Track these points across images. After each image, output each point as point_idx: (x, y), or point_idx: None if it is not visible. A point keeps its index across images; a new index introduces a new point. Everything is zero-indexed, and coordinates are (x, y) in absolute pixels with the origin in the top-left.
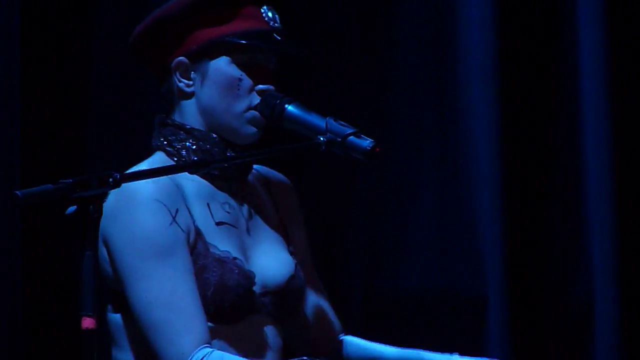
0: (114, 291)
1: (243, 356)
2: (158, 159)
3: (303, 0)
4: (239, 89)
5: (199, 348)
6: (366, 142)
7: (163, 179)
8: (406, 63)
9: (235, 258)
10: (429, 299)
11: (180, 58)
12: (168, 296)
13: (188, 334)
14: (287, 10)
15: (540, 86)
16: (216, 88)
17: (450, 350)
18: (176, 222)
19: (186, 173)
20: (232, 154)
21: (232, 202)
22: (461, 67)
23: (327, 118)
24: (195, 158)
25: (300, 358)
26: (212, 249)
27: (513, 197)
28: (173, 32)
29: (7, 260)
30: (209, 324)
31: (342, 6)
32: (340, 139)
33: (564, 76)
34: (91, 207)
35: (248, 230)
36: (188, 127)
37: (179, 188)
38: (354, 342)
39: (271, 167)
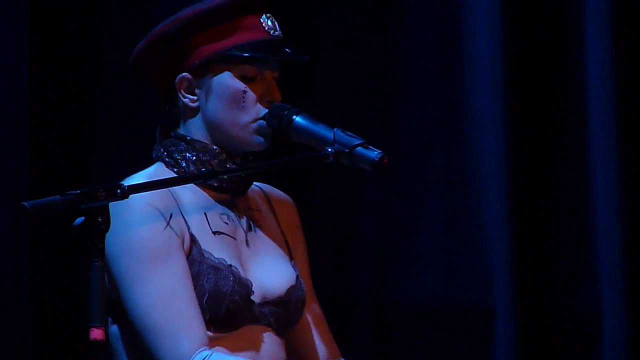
0: (113, 302)
1: None
2: (156, 170)
3: (311, 11)
4: (244, 102)
5: (198, 351)
6: (374, 153)
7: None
8: (413, 73)
9: (230, 265)
10: (436, 310)
11: (184, 74)
12: (166, 300)
13: (187, 337)
14: (294, 20)
15: (547, 95)
16: (221, 102)
17: None
18: (170, 227)
19: None
20: (233, 166)
21: (231, 213)
22: (468, 77)
23: (335, 129)
24: (194, 169)
25: None
26: (207, 256)
27: (520, 207)
28: (174, 49)
29: (15, 271)
30: (208, 332)
31: (350, 16)
32: (348, 150)
33: (570, 85)
34: (99, 218)
35: (247, 242)
36: (189, 138)
37: (173, 196)
38: None
39: (278, 178)
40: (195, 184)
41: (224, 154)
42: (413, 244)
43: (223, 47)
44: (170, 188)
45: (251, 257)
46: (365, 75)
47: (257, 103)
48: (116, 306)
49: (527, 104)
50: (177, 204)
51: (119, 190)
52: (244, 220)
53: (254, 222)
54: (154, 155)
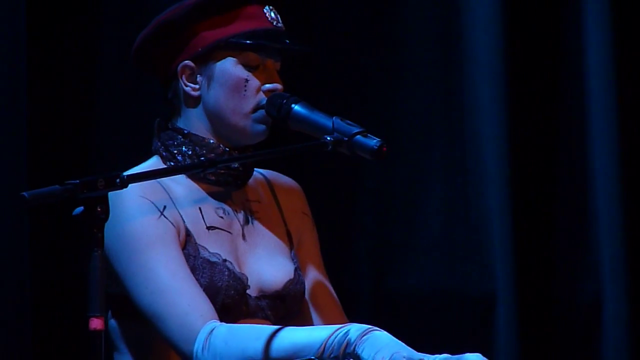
0: (111, 295)
1: None
2: (153, 163)
3: (311, 1)
4: (245, 90)
5: (206, 323)
6: (373, 142)
7: (151, 181)
8: (413, 63)
9: (225, 260)
10: (437, 299)
11: (186, 62)
12: (168, 282)
13: (194, 312)
14: (294, 10)
15: (547, 85)
16: (223, 89)
17: (458, 350)
18: (165, 217)
19: (179, 178)
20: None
21: (227, 207)
22: (468, 67)
23: (334, 117)
24: (190, 163)
25: (309, 358)
26: (202, 251)
27: (521, 196)
28: (177, 36)
29: (14, 261)
30: None
31: (349, 7)
32: (347, 139)
33: (571, 75)
34: (98, 207)
35: (243, 236)
36: (186, 131)
37: (167, 190)
38: None
39: (277, 167)
40: (191, 178)
41: (221, 148)
42: (414, 233)
43: (226, 35)
44: (162, 182)
45: (248, 251)
46: (365, 65)
47: (259, 92)
48: (115, 299)
49: (526, 92)
50: (170, 197)
51: (118, 180)
52: (241, 213)
53: (252, 214)
54: (152, 147)
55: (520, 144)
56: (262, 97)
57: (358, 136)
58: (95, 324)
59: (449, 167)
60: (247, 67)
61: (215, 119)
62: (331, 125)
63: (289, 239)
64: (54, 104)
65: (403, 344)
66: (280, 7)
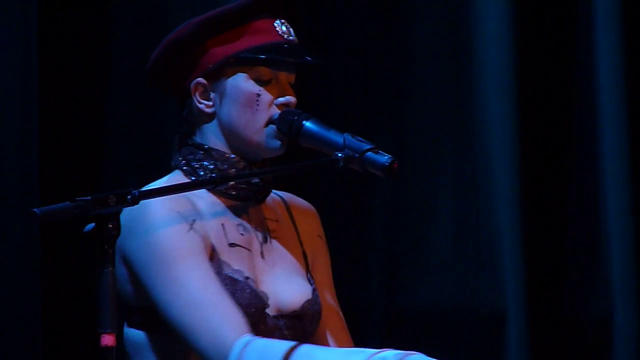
0: (134, 308)
1: None
2: (174, 178)
3: (322, 16)
4: (258, 104)
5: (240, 337)
6: (384, 158)
7: (178, 194)
8: (423, 77)
9: (247, 278)
10: (448, 315)
11: (198, 79)
12: (199, 295)
13: (228, 325)
14: (305, 25)
15: (557, 101)
16: (235, 105)
17: None
18: (194, 230)
19: (201, 193)
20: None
21: (247, 225)
22: (478, 82)
23: (345, 134)
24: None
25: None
26: (225, 267)
27: (531, 211)
28: (188, 54)
29: (26, 278)
30: None
31: (360, 22)
32: (358, 155)
33: (581, 91)
34: (109, 224)
35: (262, 254)
36: (206, 147)
37: (193, 204)
38: None
39: (288, 184)
40: (213, 193)
41: (242, 163)
42: (424, 249)
43: (237, 50)
44: (187, 196)
45: (266, 269)
46: (376, 80)
47: (271, 106)
48: (142, 312)
49: (537, 108)
50: (198, 212)
51: (129, 197)
52: (260, 231)
53: (270, 233)
54: (172, 163)
55: (530, 159)
56: (275, 111)
57: (369, 153)
58: (107, 340)
59: (460, 183)
60: (259, 81)
61: (230, 134)
62: (342, 141)
63: (305, 260)
64: (65, 119)
65: None
66: (292, 21)
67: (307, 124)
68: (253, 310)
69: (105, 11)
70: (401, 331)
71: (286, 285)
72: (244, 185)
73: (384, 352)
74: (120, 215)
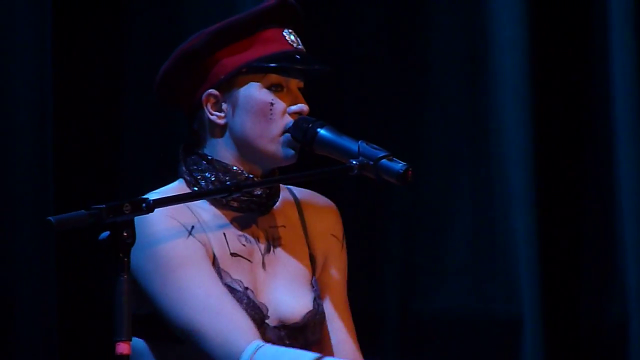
0: (136, 316)
1: None
2: (177, 186)
3: (337, 25)
4: (272, 113)
5: (250, 342)
6: (399, 165)
7: (179, 205)
8: (439, 86)
9: (247, 288)
10: (464, 322)
11: (210, 90)
12: (204, 301)
13: (235, 330)
14: (321, 34)
15: (573, 108)
16: (249, 115)
17: None
18: (193, 237)
19: (203, 204)
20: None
21: (249, 236)
22: (494, 90)
23: (359, 141)
24: (212, 189)
25: None
26: (225, 277)
27: (547, 218)
28: (199, 65)
29: (41, 286)
30: None
31: (376, 30)
32: (372, 163)
33: (597, 99)
34: (124, 232)
35: (264, 265)
36: (210, 157)
37: (194, 213)
38: None
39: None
40: (214, 205)
41: (244, 175)
42: (440, 256)
43: (248, 59)
44: (189, 206)
45: (266, 280)
46: (391, 87)
47: (285, 115)
48: (142, 320)
49: (552, 115)
50: (199, 221)
51: (144, 205)
52: (262, 241)
53: (275, 241)
54: (178, 172)
55: (546, 166)
56: (288, 120)
57: (384, 160)
58: (122, 348)
59: (475, 190)
60: (271, 90)
61: (242, 145)
62: (357, 149)
63: (312, 264)
64: (80, 127)
65: None
66: (306, 30)
67: (322, 131)
68: (251, 320)
69: (120, 18)
70: (417, 337)
71: (287, 296)
72: (246, 197)
73: None
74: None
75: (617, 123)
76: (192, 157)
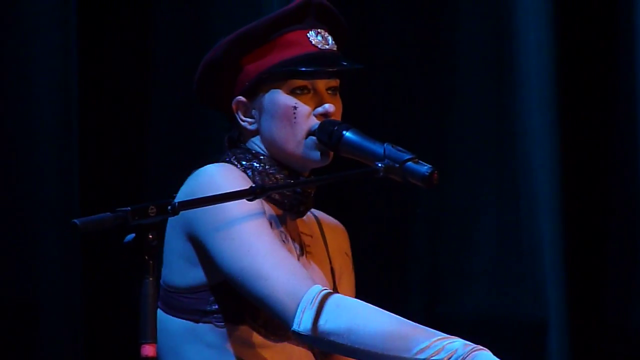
0: (182, 290)
1: None
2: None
3: (363, 26)
4: (295, 117)
5: (311, 286)
6: (424, 168)
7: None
8: (465, 88)
9: None
10: (489, 325)
11: (238, 97)
12: (270, 247)
13: (300, 274)
14: (346, 36)
15: (599, 111)
16: (274, 120)
17: None
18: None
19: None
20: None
21: (286, 234)
22: (520, 92)
23: (385, 144)
24: (259, 179)
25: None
26: None
27: (572, 221)
28: (224, 74)
29: (67, 289)
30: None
31: (402, 32)
32: (398, 165)
33: (623, 101)
34: (150, 235)
35: None
36: (254, 151)
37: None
38: None
39: (332, 195)
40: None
41: (287, 171)
42: (466, 259)
43: (269, 65)
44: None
45: None
46: (417, 90)
47: (310, 117)
48: (181, 299)
49: (579, 118)
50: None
51: (169, 207)
52: (297, 244)
53: (304, 247)
54: (223, 159)
55: (572, 169)
56: (314, 122)
57: (409, 163)
58: (147, 351)
59: (501, 193)
60: (294, 94)
61: (273, 148)
62: (382, 151)
63: (333, 277)
64: (105, 129)
65: None
66: (334, 28)
67: (347, 134)
68: None
69: (146, 21)
70: None
71: None
72: (290, 192)
73: (454, 342)
74: (185, 184)
75: None
76: (239, 148)
